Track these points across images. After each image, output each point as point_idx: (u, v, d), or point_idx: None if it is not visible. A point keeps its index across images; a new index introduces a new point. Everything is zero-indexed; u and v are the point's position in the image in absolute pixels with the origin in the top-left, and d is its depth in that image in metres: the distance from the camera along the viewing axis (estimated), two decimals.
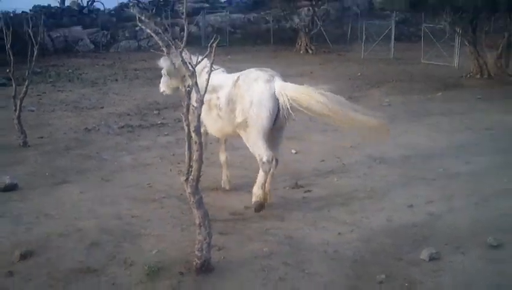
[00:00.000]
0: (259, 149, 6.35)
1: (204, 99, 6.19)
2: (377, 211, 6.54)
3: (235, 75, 6.66)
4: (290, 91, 6.24)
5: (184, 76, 6.95)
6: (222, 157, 7.45)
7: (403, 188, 7.33)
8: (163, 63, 7.48)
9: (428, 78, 18.04)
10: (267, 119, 6.27)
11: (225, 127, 6.72)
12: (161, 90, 8.05)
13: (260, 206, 6.48)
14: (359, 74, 19.39)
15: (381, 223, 6.20)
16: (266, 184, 6.54)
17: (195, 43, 25.53)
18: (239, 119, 6.38)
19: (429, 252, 5.22)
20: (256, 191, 6.51)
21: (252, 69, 6.60)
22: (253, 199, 6.53)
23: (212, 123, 6.84)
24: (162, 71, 7.77)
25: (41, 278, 4.92)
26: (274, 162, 6.43)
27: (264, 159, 6.30)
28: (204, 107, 6.51)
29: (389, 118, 11.85)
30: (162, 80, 7.90)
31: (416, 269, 5.06)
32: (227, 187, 7.40)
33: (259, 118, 6.25)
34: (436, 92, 15.38)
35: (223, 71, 7.11)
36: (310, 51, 27.58)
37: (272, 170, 6.43)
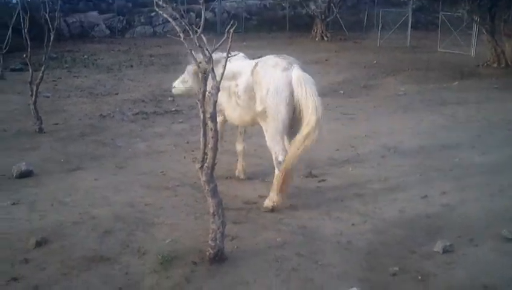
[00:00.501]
0: (276, 145, 6.25)
1: (224, 87, 6.21)
2: (391, 202, 6.50)
3: (253, 62, 6.60)
4: (308, 83, 6.11)
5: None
6: (239, 147, 7.40)
7: (417, 178, 7.28)
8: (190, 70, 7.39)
9: (445, 67, 17.86)
10: (285, 109, 6.13)
11: (244, 115, 6.63)
12: (174, 85, 7.75)
13: (272, 210, 6.28)
14: (375, 62, 19.26)
15: (395, 214, 6.16)
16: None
17: (211, 29, 25.52)
18: (259, 108, 6.28)
19: (443, 245, 5.18)
20: (274, 196, 6.30)
21: (271, 56, 6.49)
22: (268, 203, 6.31)
23: (232, 111, 6.79)
24: (187, 73, 7.51)
25: (55, 265, 4.94)
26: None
27: (280, 159, 6.20)
28: (224, 95, 6.53)
29: (404, 107, 11.85)
30: (182, 77, 7.62)
31: (429, 261, 5.02)
32: (242, 177, 7.38)
33: (277, 107, 6.13)
34: (453, 81, 15.24)
35: (243, 57, 7.03)
36: (326, 38, 27.43)
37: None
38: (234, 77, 6.51)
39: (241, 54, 7.05)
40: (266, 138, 6.36)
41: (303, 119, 6.05)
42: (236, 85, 6.52)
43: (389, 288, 4.58)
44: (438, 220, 5.97)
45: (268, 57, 6.51)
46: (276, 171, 6.29)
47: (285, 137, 6.36)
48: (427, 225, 5.83)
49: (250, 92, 6.36)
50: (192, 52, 4.96)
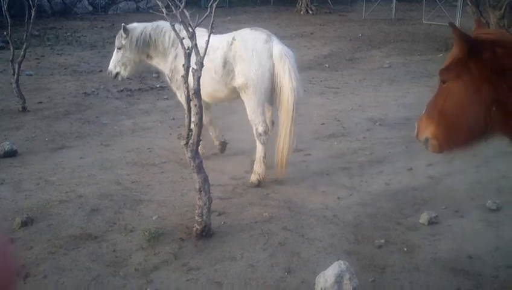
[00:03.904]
0: (257, 118, 6.30)
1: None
2: (377, 175, 6.55)
3: (228, 36, 6.55)
4: (288, 57, 6.25)
5: (152, 46, 6.92)
6: (206, 118, 7.36)
7: (403, 150, 7.33)
8: (118, 38, 7.07)
9: (430, 38, 17.86)
10: (267, 81, 6.20)
11: (219, 91, 6.54)
12: (114, 73, 7.18)
13: (259, 184, 6.34)
14: (360, 34, 19.19)
15: (381, 186, 6.22)
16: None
17: (195, 4, 25.22)
18: (239, 81, 6.27)
19: (428, 217, 5.24)
20: (258, 169, 6.35)
21: (247, 29, 6.51)
22: (255, 177, 6.36)
23: (205, 87, 6.71)
24: (118, 47, 7.06)
25: (42, 244, 4.94)
26: (271, 126, 6.51)
27: (260, 130, 6.28)
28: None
29: (390, 79, 11.86)
30: (116, 59, 7.12)
31: (415, 233, 5.09)
32: (216, 143, 7.37)
33: (259, 80, 6.18)
34: (438, 52, 15.24)
35: (206, 31, 6.99)
36: (311, 12, 27.23)
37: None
38: (209, 52, 6.45)
39: (204, 30, 7.02)
40: (248, 110, 6.37)
41: (281, 96, 6.19)
42: (211, 61, 6.33)
43: (376, 260, 4.63)
44: (424, 192, 6.04)
45: (244, 30, 6.51)
46: (258, 144, 6.35)
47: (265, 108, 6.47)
48: (413, 197, 5.89)
49: (229, 67, 6.33)
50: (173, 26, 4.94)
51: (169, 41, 6.84)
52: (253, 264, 4.56)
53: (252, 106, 6.30)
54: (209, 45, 6.43)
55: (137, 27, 7.03)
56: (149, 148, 7.69)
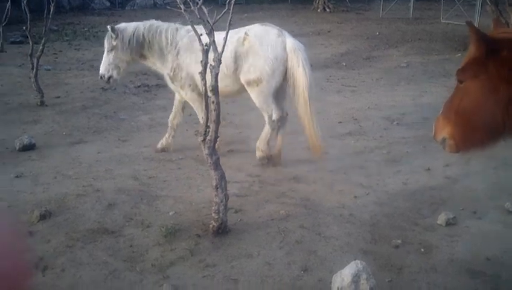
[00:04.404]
0: (269, 107, 6.54)
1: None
2: (394, 174, 6.51)
3: (236, 32, 6.61)
4: (301, 51, 6.46)
5: (146, 46, 6.93)
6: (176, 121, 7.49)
7: (421, 150, 7.27)
8: (108, 39, 7.00)
9: (448, 38, 17.71)
10: (280, 75, 6.45)
11: (227, 86, 6.60)
12: (106, 77, 7.08)
13: (265, 159, 6.74)
14: (377, 33, 19.08)
15: (398, 186, 6.18)
16: (278, 144, 6.75)
17: (212, 1, 25.26)
18: (252, 76, 6.42)
19: (446, 217, 5.20)
20: (262, 146, 6.73)
21: (257, 25, 6.59)
22: (259, 154, 6.77)
23: None
24: (108, 49, 7.01)
25: (59, 238, 4.97)
26: (286, 116, 6.73)
27: (274, 117, 6.55)
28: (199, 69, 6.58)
29: (407, 78, 11.78)
30: (108, 62, 7.03)
31: (432, 233, 5.05)
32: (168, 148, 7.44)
33: (273, 73, 6.40)
34: (456, 52, 15.11)
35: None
36: (328, 10, 27.12)
37: (281, 129, 6.68)
38: (214, 49, 6.47)
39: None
40: (258, 102, 6.60)
41: (296, 88, 6.47)
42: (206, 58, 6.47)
43: (392, 260, 4.61)
44: (441, 192, 5.99)
45: (254, 26, 6.55)
46: (267, 126, 6.67)
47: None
48: (430, 197, 5.85)
49: (240, 62, 6.45)
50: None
51: (166, 40, 6.89)
52: (269, 262, 4.55)
53: (263, 97, 6.52)
54: (216, 41, 6.57)
55: (127, 27, 7.01)
56: None
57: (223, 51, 4.85)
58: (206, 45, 4.79)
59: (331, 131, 8.18)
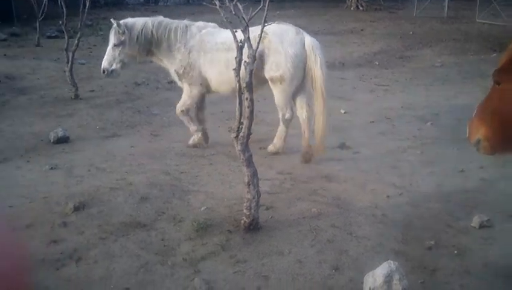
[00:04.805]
0: (286, 105, 6.77)
1: (218, 59, 6.71)
2: (427, 175, 6.43)
3: (251, 31, 6.58)
4: (318, 49, 6.66)
5: (154, 43, 7.01)
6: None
7: (455, 152, 7.16)
8: (115, 34, 7.00)
9: (483, 38, 17.40)
10: (302, 71, 6.62)
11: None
12: (109, 70, 7.10)
13: (275, 153, 7.05)
14: (411, 32, 18.87)
15: (431, 187, 6.10)
16: (304, 140, 6.88)
17: None
18: (274, 74, 6.56)
19: (480, 220, 5.11)
20: (278, 143, 7.08)
21: (274, 24, 6.64)
22: (272, 149, 7.05)
23: (232, 82, 6.74)
24: (115, 43, 7.01)
25: (93, 230, 5.03)
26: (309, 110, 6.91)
27: (287, 116, 6.80)
28: (215, 67, 6.86)
29: (441, 78, 11.63)
30: (113, 56, 7.05)
31: (466, 236, 4.97)
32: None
33: (295, 71, 6.56)
34: (491, 52, 14.85)
35: (214, 27, 7.25)
36: (361, 8, 26.91)
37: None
38: (231, 48, 6.50)
39: (214, 24, 7.29)
40: (278, 100, 6.78)
41: (315, 83, 6.65)
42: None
43: (425, 262, 4.55)
44: (476, 194, 5.89)
45: (271, 25, 6.55)
46: (282, 125, 6.91)
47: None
48: (465, 199, 5.75)
49: (261, 59, 6.47)
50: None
51: (175, 38, 6.96)
52: (300, 259, 4.53)
53: (283, 96, 6.68)
54: (230, 40, 6.68)
55: (136, 22, 7.04)
56: None
57: (257, 48, 4.84)
58: (240, 41, 4.78)
59: (364, 130, 8.14)
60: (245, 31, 4.78)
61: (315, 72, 6.59)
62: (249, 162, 4.87)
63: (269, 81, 6.70)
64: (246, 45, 4.77)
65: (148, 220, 5.23)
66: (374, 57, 14.63)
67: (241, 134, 4.81)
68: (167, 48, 7.02)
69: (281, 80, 6.56)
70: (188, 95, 7.23)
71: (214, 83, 7.04)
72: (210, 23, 7.25)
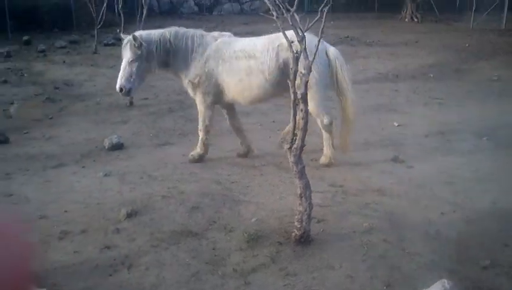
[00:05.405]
0: (321, 111, 6.75)
1: (240, 67, 6.72)
2: (482, 193, 6.26)
3: (273, 38, 6.71)
4: (340, 55, 6.81)
5: (171, 54, 6.90)
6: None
7: (511, 168, 6.96)
8: (131, 48, 6.72)
9: None
10: (327, 77, 6.70)
11: (269, 92, 6.86)
12: (127, 88, 6.75)
13: (328, 165, 7.03)
14: (467, 45, 18.48)
15: (487, 205, 5.93)
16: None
17: (298, 7, 25.25)
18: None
19: None
20: (328, 152, 7.02)
21: (291, 32, 6.55)
22: (325, 161, 7.05)
23: (253, 89, 6.86)
24: (132, 59, 6.72)
25: (144, 237, 5.10)
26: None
27: (326, 122, 6.77)
28: (235, 75, 6.82)
29: (498, 93, 11.35)
30: (129, 73, 6.73)
31: None
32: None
33: (321, 76, 6.57)
34: None
35: (230, 36, 7.21)
36: (416, 19, 26.54)
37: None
38: (251, 56, 6.66)
39: (228, 33, 7.28)
40: (311, 108, 6.40)
41: (341, 89, 6.82)
42: (262, 63, 6.63)
43: (480, 281, 4.42)
44: None
45: (289, 32, 6.53)
46: (324, 133, 6.91)
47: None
48: None
49: (284, 68, 6.48)
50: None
51: (192, 47, 6.88)
52: (351, 275, 4.48)
53: (314, 102, 6.55)
54: (252, 48, 6.65)
55: (151, 34, 6.87)
56: None
57: (314, 59, 4.83)
58: (296, 52, 4.78)
59: (418, 144, 7.99)
60: (301, 41, 4.77)
61: (340, 80, 6.75)
62: (302, 174, 4.85)
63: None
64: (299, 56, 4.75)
65: (199, 229, 5.27)
66: (429, 70, 14.38)
67: (294, 146, 4.80)
68: (183, 57, 6.89)
69: (308, 87, 6.46)
70: (203, 106, 7.15)
71: (233, 91, 6.94)
72: (225, 33, 7.24)
